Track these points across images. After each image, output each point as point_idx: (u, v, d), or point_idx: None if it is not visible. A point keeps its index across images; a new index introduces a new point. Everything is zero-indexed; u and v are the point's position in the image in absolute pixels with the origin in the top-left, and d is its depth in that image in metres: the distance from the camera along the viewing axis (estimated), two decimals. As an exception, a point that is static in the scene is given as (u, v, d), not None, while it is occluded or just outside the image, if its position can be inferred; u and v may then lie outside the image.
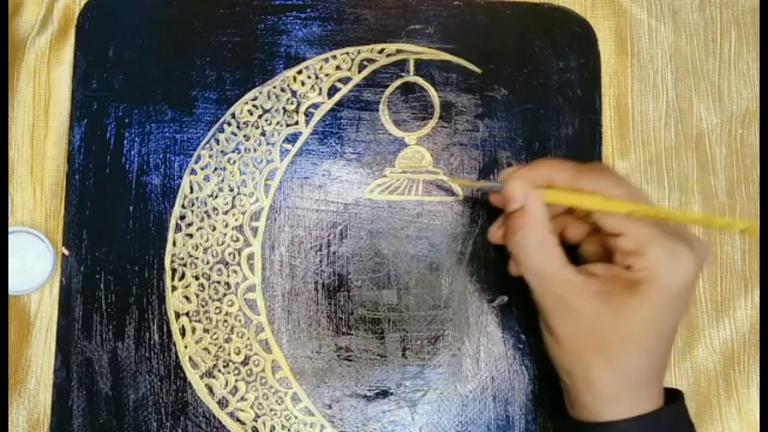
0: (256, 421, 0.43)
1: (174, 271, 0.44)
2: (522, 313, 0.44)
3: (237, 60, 0.45)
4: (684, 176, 0.47)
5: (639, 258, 0.35)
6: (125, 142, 0.44)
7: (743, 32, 0.48)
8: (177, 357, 0.43)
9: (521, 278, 0.38)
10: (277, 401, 0.43)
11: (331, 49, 0.46)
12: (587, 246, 0.39)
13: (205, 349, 0.43)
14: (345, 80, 0.45)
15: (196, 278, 0.44)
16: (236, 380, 0.43)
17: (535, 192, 0.37)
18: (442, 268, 0.45)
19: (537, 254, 0.36)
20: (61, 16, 0.45)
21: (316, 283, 0.44)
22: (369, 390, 0.44)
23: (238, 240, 0.44)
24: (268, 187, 0.44)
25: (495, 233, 0.40)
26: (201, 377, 0.43)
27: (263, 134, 0.45)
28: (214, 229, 0.44)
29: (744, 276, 0.46)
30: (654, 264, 0.35)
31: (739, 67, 0.48)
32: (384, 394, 0.44)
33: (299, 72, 0.45)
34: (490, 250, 0.45)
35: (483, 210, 0.45)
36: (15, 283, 0.42)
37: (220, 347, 0.43)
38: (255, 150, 0.45)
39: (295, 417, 0.43)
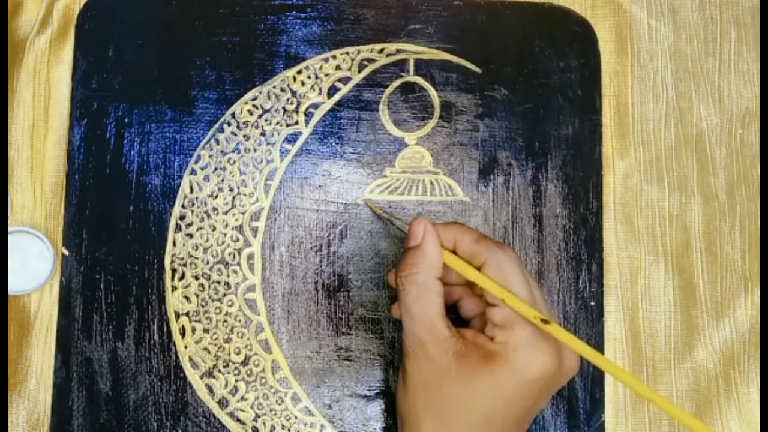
0: (256, 421, 0.43)
1: (174, 271, 0.44)
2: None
3: (237, 60, 0.45)
4: (684, 176, 0.47)
5: (502, 332, 0.35)
6: (125, 142, 0.44)
7: (743, 32, 0.48)
8: (177, 357, 0.43)
9: None
10: (277, 401, 0.43)
11: (331, 49, 0.46)
12: (476, 323, 0.39)
13: (205, 349, 0.43)
14: (345, 80, 0.45)
15: (196, 278, 0.44)
16: (236, 380, 0.43)
17: (433, 235, 0.37)
18: (442, 268, 0.44)
19: (417, 293, 0.36)
20: (61, 16, 0.45)
21: (316, 283, 0.44)
22: (369, 390, 0.44)
23: (238, 240, 0.44)
24: (268, 187, 0.44)
25: (391, 274, 0.40)
26: (201, 377, 0.43)
27: (263, 134, 0.45)
28: (214, 229, 0.44)
29: (744, 276, 0.46)
30: (513, 343, 0.35)
31: (739, 67, 0.48)
32: (384, 394, 0.44)
33: (299, 72, 0.45)
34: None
35: (483, 210, 0.45)
36: (15, 283, 0.42)
37: (220, 347, 0.43)
38: (255, 150, 0.45)
39: (295, 417, 0.43)
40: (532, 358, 0.35)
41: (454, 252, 0.38)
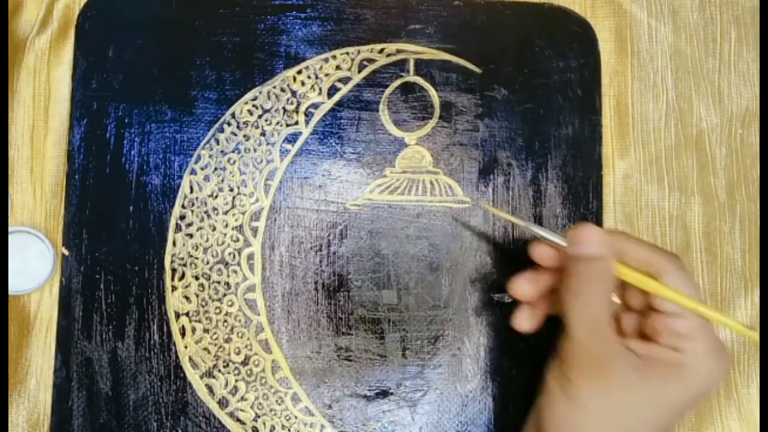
0: (256, 421, 0.43)
1: (174, 271, 0.44)
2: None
3: (237, 60, 0.45)
4: (684, 176, 0.47)
5: (691, 342, 0.35)
6: (125, 142, 0.44)
7: (743, 32, 0.48)
8: (177, 357, 0.43)
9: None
10: (277, 401, 0.43)
11: (331, 49, 0.46)
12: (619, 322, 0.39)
13: (205, 349, 0.43)
14: (345, 80, 0.45)
15: (196, 278, 0.44)
16: (236, 380, 0.43)
17: (612, 249, 0.36)
18: (442, 268, 0.45)
19: (600, 307, 0.35)
20: (61, 16, 0.45)
21: (316, 283, 0.44)
22: (369, 390, 0.44)
23: (238, 240, 0.44)
24: (268, 187, 0.44)
25: (523, 287, 0.38)
26: (201, 377, 0.43)
27: (263, 134, 0.45)
28: (214, 229, 0.44)
29: (744, 276, 0.46)
30: (701, 352, 0.35)
31: (739, 67, 0.48)
32: (384, 394, 0.44)
33: (299, 72, 0.45)
34: (490, 250, 0.45)
35: (483, 210, 0.45)
36: (15, 283, 0.42)
37: (220, 347, 0.43)
38: (255, 150, 0.45)
39: (295, 417, 0.43)
40: (718, 368, 0.35)
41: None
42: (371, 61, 0.46)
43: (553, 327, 0.38)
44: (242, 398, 0.43)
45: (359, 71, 0.46)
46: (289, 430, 0.43)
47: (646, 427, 0.35)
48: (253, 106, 0.45)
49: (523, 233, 0.45)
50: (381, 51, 0.46)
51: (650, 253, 0.36)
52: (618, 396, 0.34)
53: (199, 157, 0.44)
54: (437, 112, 0.46)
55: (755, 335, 0.36)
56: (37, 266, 0.42)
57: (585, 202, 0.45)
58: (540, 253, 0.39)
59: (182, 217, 0.44)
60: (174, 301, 0.43)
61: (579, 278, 0.36)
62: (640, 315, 0.38)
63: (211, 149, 0.44)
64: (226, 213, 0.44)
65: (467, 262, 0.45)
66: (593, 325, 0.35)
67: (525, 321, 0.39)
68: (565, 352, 0.36)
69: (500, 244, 0.45)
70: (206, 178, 0.44)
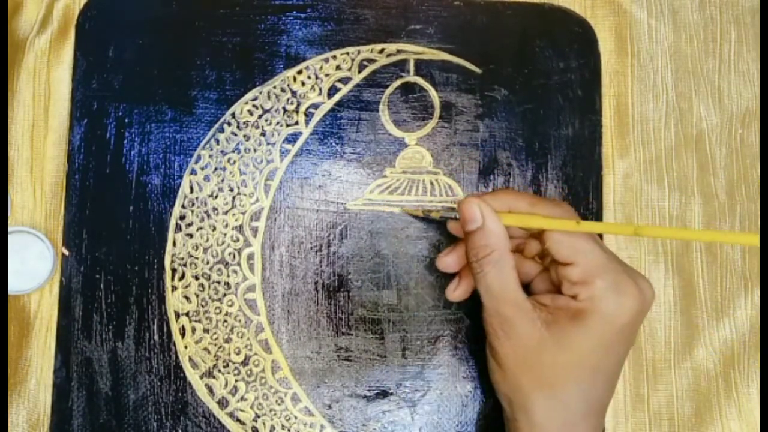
0: (256, 421, 0.43)
1: (174, 271, 0.44)
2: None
3: (237, 60, 0.45)
4: (684, 176, 0.47)
5: (584, 288, 0.36)
6: (125, 142, 0.44)
7: (743, 32, 0.48)
8: (177, 357, 0.43)
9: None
10: (277, 401, 0.43)
11: (331, 49, 0.46)
12: (538, 283, 0.40)
13: (205, 349, 0.43)
14: (345, 80, 0.45)
15: (196, 278, 0.44)
16: (236, 380, 0.43)
17: (492, 212, 0.38)
18: (442, 268, 0.45)
19: (496, 272, 0.37)
20: (61, 16, 0.45)
21: (316, 283, 0.44)
22: (369, 390, 0.44)
23: (238, 240, 0.44)
24: (268, 187, 0.44)
25: (444, 260, 0.41)
26: (201, 377, 0.43)
27: (263, 134, 0.45)
28: (214, 229, 0.44)
29: (744, 276, 0.46)
30: (598, 295, 0.36)
31: (739, 67, 0.48)
32: (384, 394, 0.44)
33: (299, 72, 0.45)
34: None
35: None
36: (15, 283, 0.42)
37: (220, 347, 0.43)
38: (255, 150, 0.45)
39: (295, 417, 0.43)
40: (620, 303, 0.36)
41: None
42: (371, 61, 0.46)
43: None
44: (242, 398, 0.43)
45: (359, 71, 0.46)
46: (289, 430, 0.43)
47: (572, 379, 0.36)
48: (253, 106, 0.45)
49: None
50: (381, 51, 0.46)
51: (533, 207, 0.38)
52: (532, 354, 0.36)
53: (199, 157, 0.44)
54: (437, 112, 0.46)
55: (582, 225, 0.37)
56: (37, 266, 0.42)
57: (585, 202, 0.45)
58: (452, 227, 0.42)
59: (182, 217, 0.44)
60: (174, 301, 0.43)
61: (470, 250, 0.38)
62: (546, 271, 0.40)
63: (211, 149, 0.45)
64: (226, 213, 0.44)
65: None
66: (496, 290, 0.37)
67: (452, 292, 0.42)
68: (484, 320, 0.38)
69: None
70: (206, 178, 0.44)
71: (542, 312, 0.37)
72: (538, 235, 0.39)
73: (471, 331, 0.44)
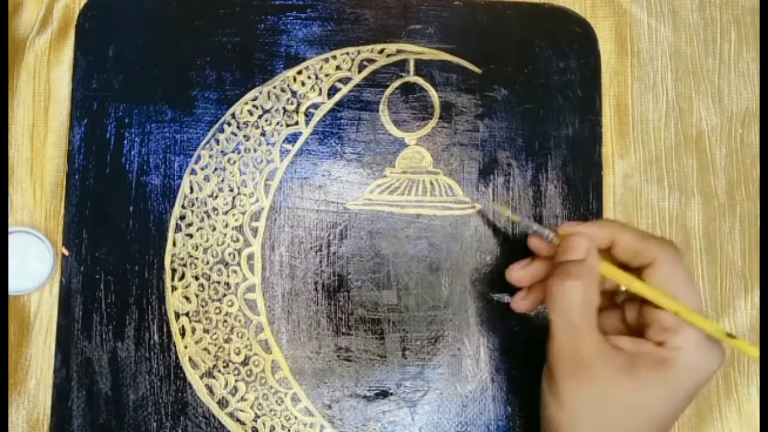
0: (255, 421, 0.43)
1: (174, 271, 0.44)
2: (522, 312, 0.44)
3: (237, 60, 0.45)
4: (684, 176, 0.47)
5: (675, 336, 0.34)
6: (125, 142, 0.44)
7: (743, 32, 0.48)
8: (177, 357, 0.43)
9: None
10: (277, 401, 0.43)
11: (331, 49, 0.46)
12: (605, 319, 0.38)
13: (205, 349, 0.43)
14: (345, 80, 0.45)
15: (196, 278, 0.44)
16: (236, 380, 0.43)
17: (595, 251, 0.36)
18: (442, 268, 0.45)
19: (580, 308, 0.35)
20: (61, 16, 0.45)
21: (316, 283, 0.44)
22: (369, 390, 0.44)
23: (238, 240, 0.44)
24: (268, 187, 0.44)
25: (517, 274, 0.39)
26: (201, 377, 0.43)
27: (263, 134, 0.45)
28: (214, 229, 0.44)
29: (744, 276, 0.46)
30: (687, 345, 0.34)
31: (739, 67, 0.48)
32: (384, 394, 0.44)
33: (299, 72, 0.45)
34: (490, 250, 0.45)
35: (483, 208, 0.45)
36: (15, 283, 0.42)
37: (220, 347, 0.43)
38: (255, 150, 0.45)
39: (295, 417, 0.43)
40: (706, 358, 0.34)
41: (607, 251, 0.37)
42: (371, 61, 0.46)
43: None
44: (242, 398, 0.43)
45: (359, 71, 0.46)
46: (288, 430, 0.43)
47: (638, 426, 0.35)
48: (253, 106, 0.45)
49: (523, 233, 0.45)
50: (381, 51, 0.46)
51: (641, 243, 0.36)
52: (602, 395, 0.34)
53: (199, 157, 0.44)
54: (437, 112, 0.46)
55: (736, 342, 0.35)
56: (37, 266, 0.42)
57: (585, 202, 0.45)
58: (535, 243, 0.40)
59: (182, 217, 0.44)
60: (174, 302, 0.43)
61: (561, 280, 0.36)
62: (635, 310, 0.38)
63: (211, 149, 0.44)
64: (226, 213, 0.44)
65: (467, 262, 0.45)
66: (574, 326, 0.35)
67: (519, 302, 0.40)
68: (550, 353, 0.36)
69: (500, 245, 0.45)
70: (206, 178, 0.44)
71: (621, 357, 0.35)
72: (635, 269, 0.36)
73: (471, 330, 0.44)
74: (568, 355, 0.35)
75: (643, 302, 0.37)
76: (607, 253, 0.37)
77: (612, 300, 0.39)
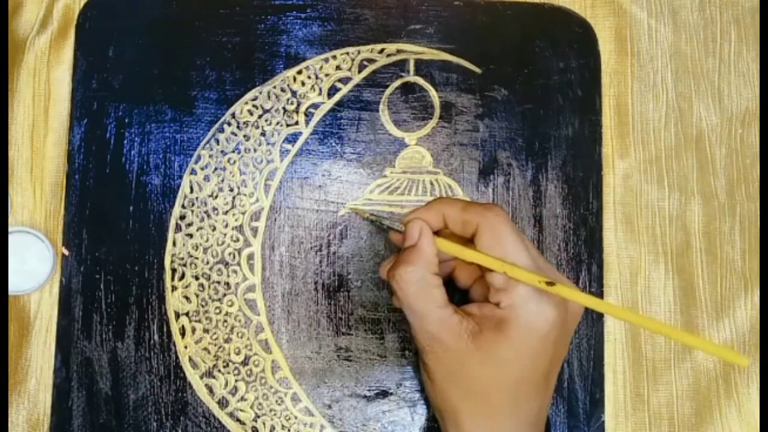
0: (255, 421, 0.43)
1: (174, 271, 0.44)
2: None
3: (237, 60, 0.45)
4: (684, 176, 0.47)
5: (506, 294, 0.35)
6: (125, 142, 0.44)
7: (743, 32, 0.48)
8: (177, 357, 0.43)
9: None
10: (277, 401, 0.43)
11: (331, 49, 0.46)
12: (476, 290, 0.40)
13: (205, 349, 0.43)
14: (345, 80, 0.45)
15: (196, 278, 0.44)
16: (236, 380, 0.43)
17: (428, 233, 0.37)
18: (442, 268, 0.44)
19: (416, 291, 0.36)
20: (61, 16, 0.45)
21: (316, 283, 0.44)
22: (369, 390, 0.44)
23: (238, 240, 0.44)
24: (268, 187, 0.44)
25: (384, 268, 0.39)
26: (201, 377, 0.43)
27: (263, 134, 0.45)
28: (214, 229, 0.44)
29: (744, 276, 0.46)
30: (518, 302, 0.35)
31: (739, 67, 0.48)
32: (384, 394, 0.44)
33: (299, 72, 0.45)
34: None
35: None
36: (15, 283, 0.42)
37: (220, 347, 0.43)
38: (255, 150, 0.45)
39: (295, 417, 0.43)
40: (540, 312, 0.35)
41: (445, 227, 0.38)
42: (371, 61, 0.46)
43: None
44: (242, 398, 0.43)
45: (359, 71, 0.46)
46: (288, 430, 0.43)
47: (499, 389, 0.35)
48: (253, 106, 0.45)
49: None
50: (381, 51, 0.46)
51: (464, 213, 0.37)
52: (459, 365, 0.36)
53: (199, 157, 0.44)
54: (437, 112, 0.46)
55: (556, 289, 0.34)
56: (37, 266, 0.42)
57: (585, 202, 0.45)
58: (396, 237, 0.40)
59: (182, 217, 0.44)
60: (174, 301, 0.43)
61: (395, 268, 0.37)
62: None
63: (211, 149, 0.44)
64: (226, 213, 0.44)
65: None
66: (416, 308, 0.36)
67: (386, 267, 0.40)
68: (413, 338, 0.38)
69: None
70: (206, 178, 0.44)
71: (469, 323, 0.36)
72: (471, 238, 0.37)
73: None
74: (421, 334, 0.37)
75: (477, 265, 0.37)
76: (445, 229, 0.38)
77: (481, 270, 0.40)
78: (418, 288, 0.36)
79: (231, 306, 0.44)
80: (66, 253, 0.43)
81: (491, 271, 0.36)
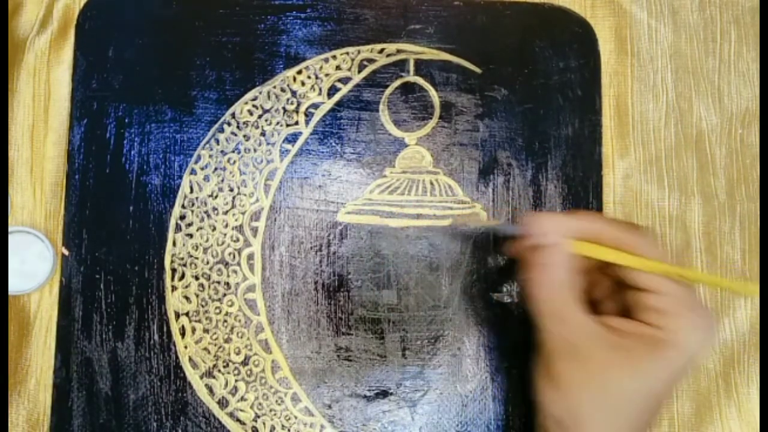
0: (255, 421, 0.43)
1: (174, 271, 0.44)
2: (522, 312, 0.44)
3: (237, 60, 0.45)
4: (684, 176, 0.47)
5: (672, 319, 0.35)
6: (125, 142, 0.44)
7: (743, 32, 0.48)
8: (177, 357, 0.43)
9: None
10: (277, 401, 0.43)
11: (331, 49, 0.46)
12: (607, 304, 0.39)
13: (205, 349, 0.43)
14: (345, 80, 0.45)
15: (196, 278, 0.44)
16: (236, 380, 0.43)
17: (561, 230, 0.36)
18: (442, 268, 0.45)
19: (556, 294, 0.35)
20: (61, 16, 0.45)
21: (316, 283, 0.44)
22: (369, 390, 0.44)
23: (238, 240, 0.44)
24: (268, 187, 0.44)
25: (515, 247, 0.38)
26: (201, 377, 0.43)
27: (263, 134, 0.45)
28: (214, 229, 0.44)
29: (744, 276, 0.46)
30: (686, 328, 0.35)
31: (739, 67, 0.48)
32: (384, 394, 0.44)
33: (299, 72, 0.45)
34: (490, 250, 0.45)
35: (483, 210, 0.45)
36: (15, 283, 0.42)
37: (220, 347, 0.43)
38: (255, 150, 0.45)
39: (295, 417, 0.43)
40: (702, 340, 0.35)
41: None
42: (371, 61, 0.46)
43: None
44: (242, 398, 0.43)
45: (359, 71, 0.46)
46: (288, 430, 0.43)
47: (635, 405, 0.35)
48: (253, 106, 0.45)
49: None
50: (381, 51, 0.46)
51: (619, 229, 0.36)
52: (598, 377, 0.35)
53: (199, 157, 0.44)
54: (437, 112, 0.46)
55: (741, 287, 0.35)
56: (37, 266, 0.42)
57: (585, 202, 0.45)
58: (516, 250, 0.39)
59: (182, 217, 0.44)
60: (174, 301, 0.43)
61: (537, 269, 0.36)
62: (620, 292, 0.38)
63: (211, 149, 0.45)
64: (226, 213, 0.44)
65: (467, 262, 0.45)
66: (559, 312, 0.35)
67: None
68: (541, 344, 0.36)
69: (500, 244, 0.45)
70: (206, 178, 0.44)
71: (612, 336, 0.35)
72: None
73: (471, 330, 0.44)
74: (558, 341, 0.36)
75: (627, 286, 0.37)
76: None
77: (614, 286, 0.39)
78: (559, 289, 0.35)
79: (231, 306, 0.44)
80: (66, 253, 0.43)
81: (647, 293, 0.35)
